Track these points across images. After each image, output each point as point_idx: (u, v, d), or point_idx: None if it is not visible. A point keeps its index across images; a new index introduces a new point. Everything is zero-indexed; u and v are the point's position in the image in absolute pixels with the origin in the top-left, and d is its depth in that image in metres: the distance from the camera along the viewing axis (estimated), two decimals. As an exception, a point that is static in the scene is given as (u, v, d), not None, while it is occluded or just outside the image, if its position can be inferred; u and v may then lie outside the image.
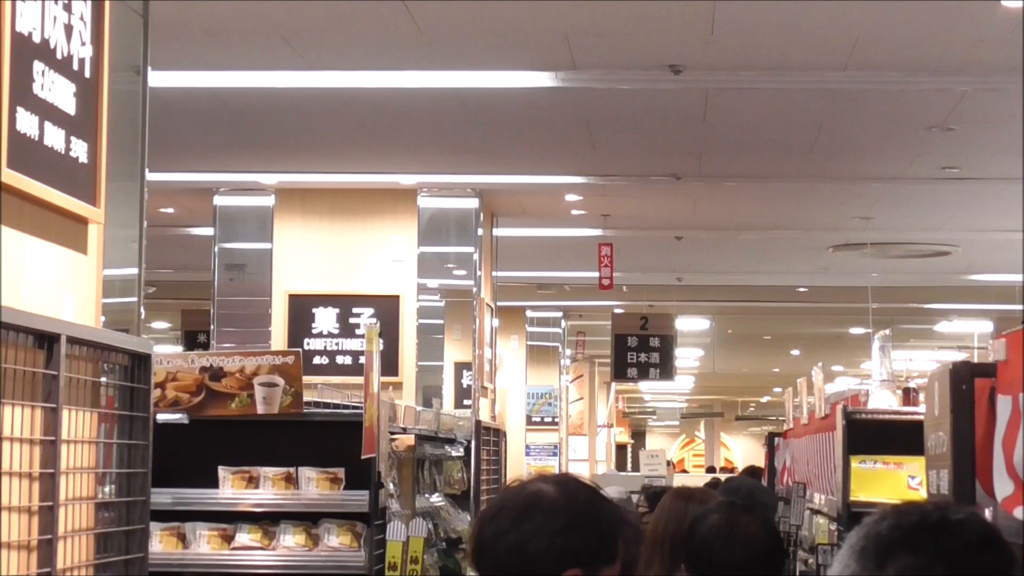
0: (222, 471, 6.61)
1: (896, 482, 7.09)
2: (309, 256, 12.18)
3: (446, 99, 9.45)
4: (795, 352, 28.06)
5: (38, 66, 3.29)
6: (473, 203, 12.30)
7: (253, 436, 6.68)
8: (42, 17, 3.31)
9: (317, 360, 11.78)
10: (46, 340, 3.25)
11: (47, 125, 3.33)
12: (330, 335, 12.02)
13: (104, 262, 3.82)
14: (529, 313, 21.02)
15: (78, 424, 3.45)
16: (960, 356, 20.81)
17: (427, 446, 8.45)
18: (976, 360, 10.83)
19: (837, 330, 24.02)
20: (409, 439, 7.97)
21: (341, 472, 6.56)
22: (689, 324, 21.91)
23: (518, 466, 19.06)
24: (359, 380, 6.73)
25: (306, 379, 6.74)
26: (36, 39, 3.28)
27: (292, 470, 6.59)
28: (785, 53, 8.39)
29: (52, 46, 3.37)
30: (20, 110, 3.19)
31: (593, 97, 9.30)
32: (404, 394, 11.42)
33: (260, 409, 6.45)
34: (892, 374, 9.03)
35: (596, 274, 14.76)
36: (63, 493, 3.32)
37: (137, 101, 5.15)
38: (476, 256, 12.29)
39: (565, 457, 22.66)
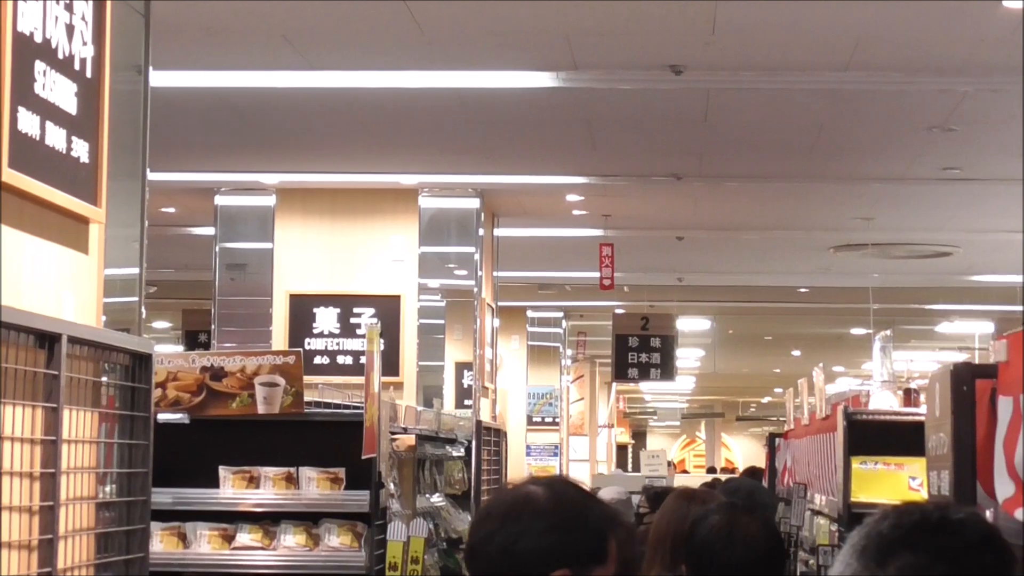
0: (223, 471, 6.61)
1: (897, 483, 7.09)
2: (310, 256, 12.18)
3: (447, 99, 9.45)
4: (796, 352, 28.05)
5: (39, 66, 3.29)
6: (474, 203, 12.30)
7: (254, 436, 6.68)
8: (43, 17, 3.31)
9: (318, 360, 11.78)
10: (47, 340, 3.25)
11: (48, 125, 3.33)
12: (331, 335, 12.02)
13: (105, 262, 3.82)
14: (530, 313, 21.02)
15: (79, 424, 3.45)
16: (961, 357, 20.83)
17: (428, 446, 8.45)
18: (977, 361, 10.84)
19: (838, 331, 24.02)
20: (410, 439, 7.97)
21: (342, 472, 6.56)
22: (690, 324, 21.91)
23: (519, 466, 19.06)
24: (360, 380, 6.73)
25: (307, 379, 6.74)
26: (38, 39, 3.28)
27: (293, 470, 6.59)
28: (786, 53, 8.39)
29: (53, 46, 3.37)
30: (21, 110, 3.20)
31: (594, 97, 9.30)
32: (405, 394, 11.42)
33: (261, 409, 6.45)
34: (893, 375, 9.03)
35: (597, 274, 14.76)
36: (64, 493, 3.32)
37: (138, 101, 5.15)
38: (477, 256, 12.29)
39: (566, 457, 22.67)
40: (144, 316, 5.22)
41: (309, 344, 11.87)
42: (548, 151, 11.23)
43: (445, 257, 12.29)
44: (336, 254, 12.16)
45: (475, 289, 12.31)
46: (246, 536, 6.50)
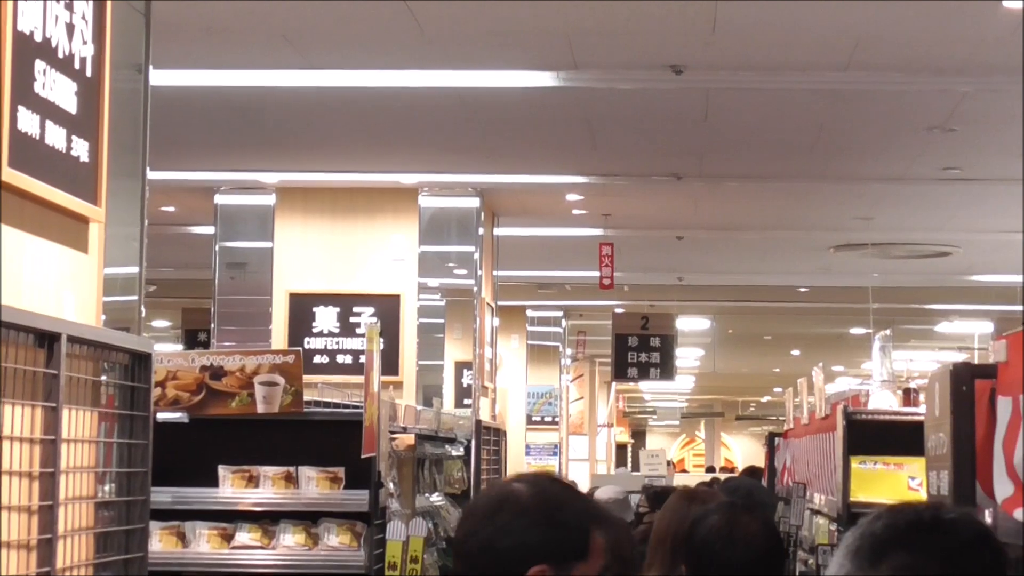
0: (222, 470, 6.61)
1: (896, 483, 7.09)
2: (310, 255, 12.18)
3: (447, 98, 9.45)
4: (795, 352, 28.05)
5: (39, 65, 3.29)
6: (474, 202, 12.30)
7: (253, 435, 6.68)
8: (44, 16, 3.31)
9: (317, 359, 11.78)
10: (47, 339, 3.25)
11: (48, 124, 3.33)
12: (330, 334, 12.02)
13: (105, 261, 3.82)
14: (530, 312, 21.02)
15: (78, 423, 3.45)
16: (960, 357, 20.82)
17: (427, 445, 8.45)
18: (976, 361, 10.84)
19: (838, 330, 24.02)
20: (409, 438, 7.98)
21: (341, 471, 6.56)
22: (690, 324, 21.91)
23: (518, 465, 19.05)
24: (359, 379, 6.73)
25: (306, 378, 6.73)
26: (37, 38, 3.28)
27: (292, 469, 6.59)
28: (786, 53, 8.39)
29: (53, 45, 3.37)
30: (21, 109, 3.19)
31: (594, 97, 9.30)
32: (404, 393, 11.42)
33: (260, 408, 6.45)
34: (892, 374, 9.02)
35: (597, 274, 14.76)
36: (63, 492, 3.32)
37: (138, 100, 5.15)
38: (477, 255, 12.29)
39: (565, 457, 22.66)
40: (144, 315, 5.22)
41: (309, 343, 11.87)
42: (548, 151, 11.23)
43: (445, 256, 12.29)
44: (336, 253, 12.16)
45: (475, 288, 12.31)
46: (245, 535, 6.50)
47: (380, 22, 7.83)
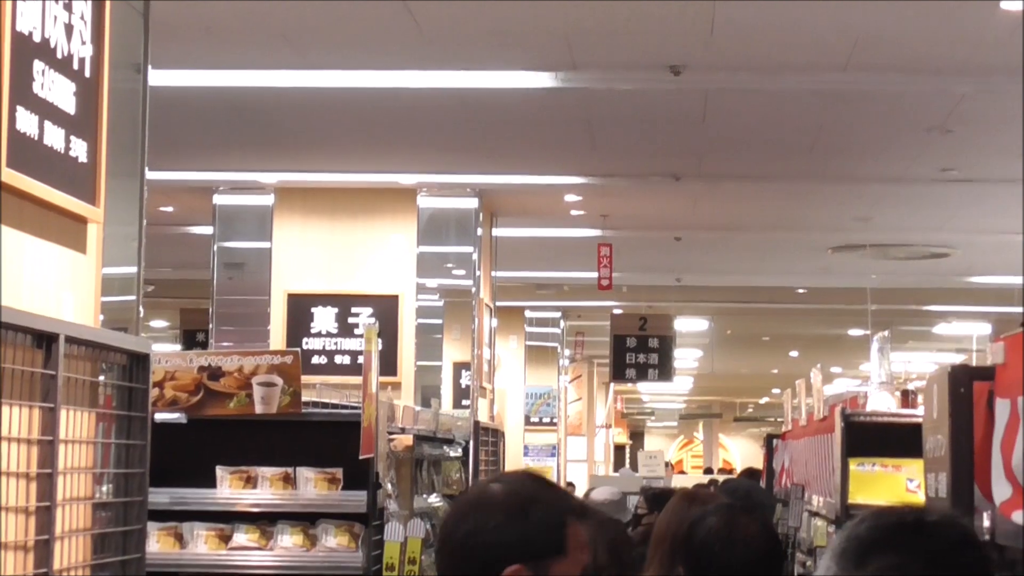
0: (220, 471, 6.60)
1: (894, 484, 7.08)
2: (308, 255, 12.18)
3: (446, 99, 9.45)
4: (794, 353, 28.06)
5: (38, 65, 3.29)
6: (472, 203, 12.30)
7: (251, 436, 6.67)
8: (42, 16, 3.31)
9: (316, 360, 11.78)
10: (45, 340, 3.25)
11: (47, 124, 3.33)
12: (329, 335, 12.01)
13: (103, 261, 3.82)
14: (528, 313, 21.02)
15: (76, 424, 3.45)
16: (959, 358, 20.84)
17: (425, 446, 8.44)
18: (975, 363, 10.84)
19: (836, 331, 24.02)
20: (407, 439, 7.97)
21: (339, 472, 6.56)
22: (688, 325, 21.91)
23: (516, 466, 19.05)
24: (358, 380, 6.73)
25: (304, 379, 6.73)
26: (36, 38, 3.28)
27: (290, 470, 6.58)
28: (785, 54, 8.39)
29: (52, 45, 3.37)
30: (20, 109, 3.19)
31: (593, 97, 9.30)
32: (403, 394, 11.42)
33: (258, 409, 6.44)
34: (891, 376, 9.01)
35: (595, 274, 14.76)
36: (61, 493, 3.32)
37: (137, 100, 5.15)
38: (475, 256, 12.29)
39: (563, 458, 22.66)
40: (142, 315, 5.21)
41: (307, 344, 11.87)
42: (547, 151, 11.23)
43: (443, 257, 12.29)
44: (334, 254, 12.16)
45: (473, 289, 12.31)
46: (243, 536, 6.50)
47: (379, 22, 7.83)
